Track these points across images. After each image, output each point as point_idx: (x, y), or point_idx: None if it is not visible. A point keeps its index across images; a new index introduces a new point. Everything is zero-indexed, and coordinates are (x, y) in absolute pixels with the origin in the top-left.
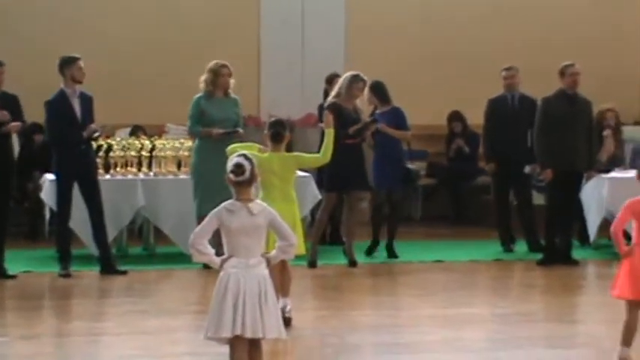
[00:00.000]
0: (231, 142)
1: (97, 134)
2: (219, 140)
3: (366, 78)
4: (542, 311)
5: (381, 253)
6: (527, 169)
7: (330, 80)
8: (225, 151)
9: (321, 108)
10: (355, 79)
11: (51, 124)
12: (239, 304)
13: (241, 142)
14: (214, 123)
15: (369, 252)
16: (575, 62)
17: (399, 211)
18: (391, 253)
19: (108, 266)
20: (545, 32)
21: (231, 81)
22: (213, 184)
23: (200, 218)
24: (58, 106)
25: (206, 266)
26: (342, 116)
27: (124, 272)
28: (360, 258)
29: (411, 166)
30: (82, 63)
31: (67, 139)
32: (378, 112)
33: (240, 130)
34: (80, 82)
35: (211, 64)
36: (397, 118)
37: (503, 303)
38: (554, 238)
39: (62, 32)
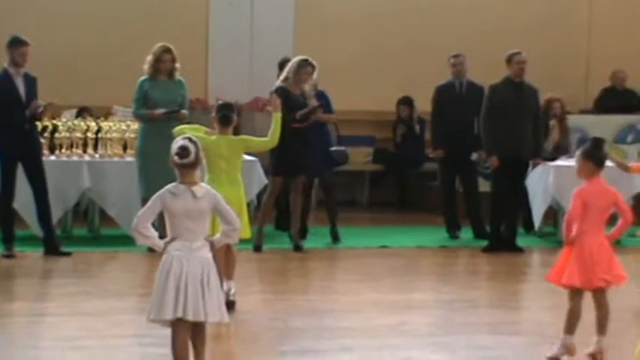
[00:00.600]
0: (176, 124)
1: (40, 109)
2: (164, 123)
3: (314, 62)
4: (487, 298)
5: (325, 238)
6: (474, 155)
7: (282, 65)
8: (171, 133)
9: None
10: (304, 64)
11: None
12: (181, 286)
13: (188, 123)
14: (158, 105)
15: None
16: (521, 50)
17: (334, 194)
18: (335, 237)
19: (52, 247)
20: (492, 20)
21: (176, 65)
22: (158, 166)
23: (144, 201)
24: (1, 85)
25: (150, 249)
26: (290, 101)
27: (68, 254)
28: (308, 243)
29: (338, 148)
30: (26, 49)
31: (10, 119)
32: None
33: (184, 111)
34: (20, 67)
35: (155, 47)
36: (325, 102)
37: (447, 289)
38: (499, 225)
39: (8, 12)
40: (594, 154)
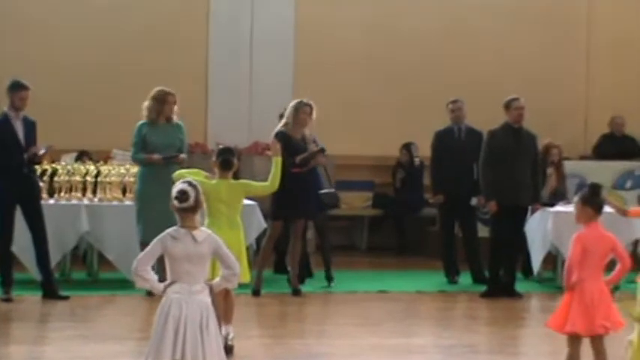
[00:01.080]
0: (175, 169)
1: (41, 152)
2: (162, 167)
3: (312, 103)
4: (486, 343)
5: (323, 282)
6: (473, 201)
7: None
8: (169, 177)
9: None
10: (300, 105)
11: None
12: (180, 330)
13: (188, 168)
14: (158, 149)
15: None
16: (520, 97)
17: (328, 238)
18: (329, 279)
19: (50, 291)
20: (491, 67)
21: (175, 107)
22: (157, 210)
23: (143, 244)
24: (0, 128)
25: (149, 293)
26: (290, 145)
27: (66, 297)
28: (305, 287)
29: (328, 190)
30: (26, 94)
31: (9, 162)
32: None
33: (182, 155)
34: (20, 110)
35: (155, 91)
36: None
37: (446, 334)
38: (498, 270)
39: (9, 56)
40: (592, 200)
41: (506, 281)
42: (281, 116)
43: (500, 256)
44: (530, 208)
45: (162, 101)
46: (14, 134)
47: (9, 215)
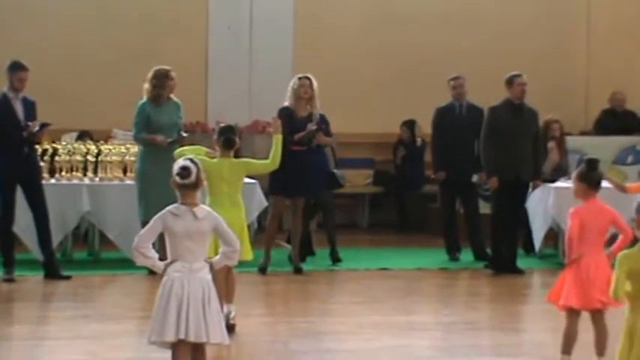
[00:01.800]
0: (176, 146)
1: (36, 128)
2: (164, 146)
3: (309, 75)
4: (487, 320)
5: (325, 260)
6: (474, 177)
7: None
8: (170, 156)
9: None
10: (299, 79)
11: None
12: (182, 308)
13: (191, 144)
14: (162, 129)
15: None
16: (521, 73)
17: (334, 216)
18: (335, 259)
19: (52, 271)
20: (492, 42)
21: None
22: (158, 189)
23: (144, 223)
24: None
25: (151, 272)
26: (292, 122)
27: (68, 277)
28: (307, 265)
29: (336, 171)
30: (25, 74)
31: (9, 142)
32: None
33: (184, 134)
34: (19, 91)
35: (154, 70)
36: (325, 124)
37: (448, 311)
38: (500, 246)
39: (10, 37)
40: (587, 176)
41: (507, 257)
42: None
43: (502, 232)
44: (531, 184)
45: (163, 79)
46: (14, 114)
47: (10, 195)
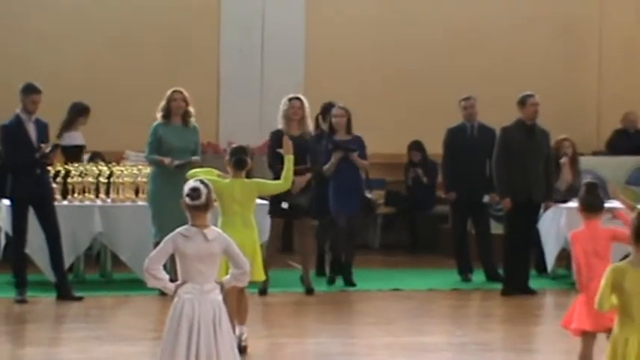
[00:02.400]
0: (188, 169)
1: (48, 149)
2: (171, 168)
3: (300, 96)
4: (500, 341)
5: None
6: (485, 198)
7: (325, 109)
8: (181, 178)
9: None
10: (288, 101)
11: (5, 148)
12: (194, 330)
13: (201, 167)
14: (173, 151)
15: (331, 280)
16: (534, 93)
17: (356, 240)
18: (349, 282)
19: (64, 292)
20: (504, 63)
21: (190, 109)
22: (171, 210)
23: (157, 245)
24: (12, 130)
25: (162, 293)
26: (281, 145)
27: (81, 298)
28: (318, 286)
29: (369, 195)
30: (38, 97)
31: (21, 163)
32: (337, 138)
33: (195, 158)
34: (31, 114)
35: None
36: (361, 147)
37: (460, 332)
38: (514, 267)
39: (22, 57)
40: (585, 200)
41: (520, 278)
42: (322, 109)
43: (516, 253)
44: (542, 205)
45: (168, 99)
46: (27, 136)
47: (22, 216)
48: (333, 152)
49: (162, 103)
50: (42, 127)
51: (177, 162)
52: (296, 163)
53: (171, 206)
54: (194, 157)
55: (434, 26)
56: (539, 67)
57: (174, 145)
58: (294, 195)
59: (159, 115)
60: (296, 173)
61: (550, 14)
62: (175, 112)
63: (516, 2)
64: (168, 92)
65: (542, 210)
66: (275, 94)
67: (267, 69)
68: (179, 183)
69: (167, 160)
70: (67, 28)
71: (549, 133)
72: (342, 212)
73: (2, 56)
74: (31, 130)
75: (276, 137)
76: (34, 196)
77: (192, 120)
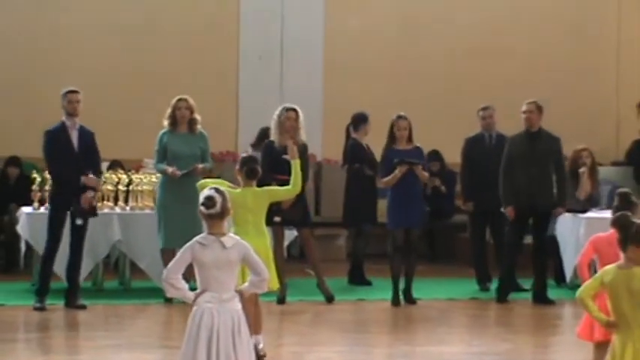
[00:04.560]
0: (195, 178)
1: (91, 194)
2: (183, 175)
3: (295, 107)
4: (518, 350)
5: (354, 289)
6: (503, 207)
7: (355, 119)
8: (189, 186)
9: (345, 149)
10: (283, 111)
11: (47, 154)
12: (213, 339)
13: (213, 177)
14: (178, 158)
15: (395, 301)
16: (530, 101)
17: (417, 255)
18: (409, 298)
19: (72, 300)
20: (522, 72)
21: (195, 116)
22: (177, 218)
23: (164, 252)
24: (55, 136)
25: (167, 300)
26: (271, 156)
27: (84, 307)
28: (338, 295)
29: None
30: (74, 96)
31: (63, 172)
32: (399, 148)
33: (201, 166)
34: (72, 115)
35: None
36: (421, 158)
37: (478, 341)
38: (509, 275)
39: (40, 67)
40: (617, 208)
41: (538, 289)
42: (353, 119)
43: (513, 261)
44: (553, 212)
45: (173, 108)
46: (69, 143)
47: (59, 225)
48: (398, 165)
49: (168, 111)
50: (86, 136)
51: (180, 173)
52: (288, 172)
53: (177, 213)
54: (201, 165)
55: (452, 35)
56: (557, 75)
57: (180, 153)
58: (285, 209)
59: (165, 123)
60: (287, 184)
61: (568, 19)
62: (181, 120)
63: (534, 11)
64: (173, 101)
65: (552, 218)
66: (295, 101)
67: (287, 76)
68: (186, 191)
69: (170, 170)
70: (85, 35)
71: (559, 138)
72: (402, 226)
73: (21, 63)
74: (74, 138)
75: (269, 148)
76: (74, 203)
77: (199, 127)
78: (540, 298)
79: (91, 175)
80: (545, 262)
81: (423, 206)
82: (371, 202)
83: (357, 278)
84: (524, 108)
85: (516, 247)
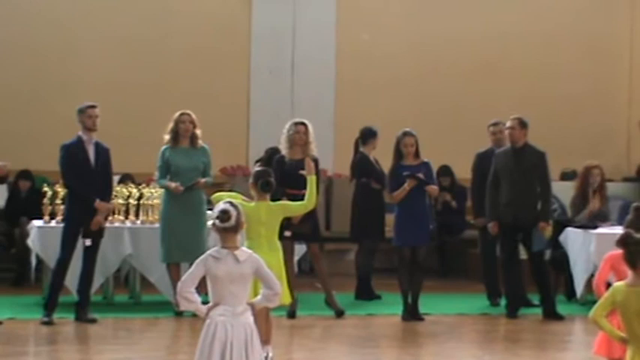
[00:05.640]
0: (198, 192)
1: (101, 218)
2: (185, 191)
3: (305, 121)
4: None
5: (364, 304)
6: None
7: (364, 134)
8: (191, 200)
9: (353, 163)
10: (292, 126)
11: (64, 168)
12: (226, 352)
13: (229, 191)
14: (180, 173)
15: (405, 316)
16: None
17: (424, 269)
18: (416, 315)
19: (82, 314)
20: (533, 88)
21: (198, 131)
22: (179, 232)
23: (169, 266)
24: (72, 150)
25: (179, 313)
26: (284, 169)
27: (95, 320)
28: (349, 310)
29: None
30: (93, 111)
31: (78, 186)
32: (406, 164)
33: (204, 180)
34: (91, 130)
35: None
36: (430, 172)
37: (488, 357)
38: (512, 289)
39: (51, 81)
40: (632, 223)
41: (546, 304)
42: (361, 134)
43: (511, 276)
44: (539, 226)
45: (176, 122)
46: (86, 157)
47: (73, 239)
48: (408, 179)
49: (170, 125)
50: (102, 152)
51: (182, 188)
52: (299, 187)
53: (179, 227)
54: (203, 179)
55: (463, 52)
56: (568, 91)
57: (182, 167)
58: (295, 223)
59: (166, 137)
60: (300, 199)
61: (579, 36)
62: (183, 134)
63: (545, 28)
64: (176, 115)
65: (536, 232)
66: (305, 116)
67: (298, 91)
68: (188, 205)
69: (173, 185)
70: (97, 51)
71: (544, 154)
72: (409, 244)
73: (31, 75)
74: (91, 152)
75: (279, 163)
76: (87, 220)
77: (200, 141)
78: (549, 313)
79: (102, 203)
80: (546, 277)
81: (429, 223)
82: (378, 216)
83: (365, 294)
84: (507, 124)
85: (510, 262)
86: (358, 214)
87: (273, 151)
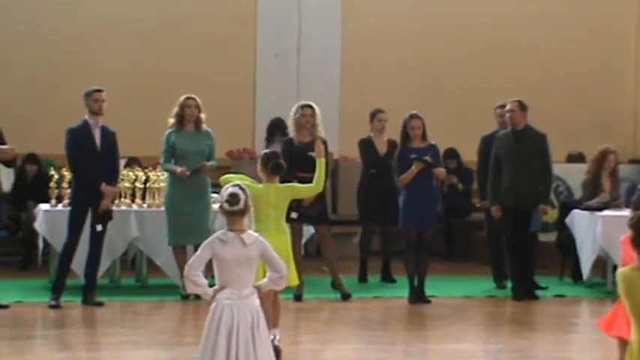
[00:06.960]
0: (202, 176)
1: (109, 201)
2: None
3: (312, 103)
4: (534, 348)
5: (372, 287)
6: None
7: (373, 116)
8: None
9: (361, 143)
10: (299, 108)
11: (70, 152)
12: (232, 336)
13: (236, 173)
14: (186, 156)
15: (412, 298)
16: (506, 101)
17: (430, 252)
18: (422, 297)
19: (89, 297)
20: (540, 71)
21: (202, 115)
22: (185, 215)
23: (175, 249)
24: (78, 134)
25: (186, 297)
26: (292, 152)
27: (101, 304)
28: (356, 292)
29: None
30: (99, 95)
31: (85, 170)
32: (414, 146)
33: (209, 164)
34: (97, 114)
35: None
36: (437, 155)
37: (494, 339)
38: (517, 272)
39: (58, 65)
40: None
41: (528, 285)
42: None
43: (516, 258)
44: (539, 208)
45: (181, 106)
46: (92, 141)
47: (80, 222)
48: (415, 161)
49: (175, 109)
50: (108, 136)
51: (188, 172)
52: (309, 169)
53: (185, 211)
54: (209, 163)
55: (470, 35)
56: (575, 74)
57: (187, 151)
58: (304, 205)
59: (171, 121)
60: (309, 181)
61: (586, 19)
62: (188, 119)
63: (553, 11)
64: (181, 99)
65: (536, 215)
66: (312, 100)
67: (304, 74)
68: (193, 188)
69: (179, 170)
70: (103, 35)
71: (545, 136)
72: (415, 227)
73: (39, 64)
74: (97, 136)
75: (287, 146)
76: (94, 203)
77: (204, 126)
78: (520, 292)
79: (108, 186)
80: (532, 257)
81: (436, 206)
82: (383, 200)
83: (365, 276)
84: (507, 107)
85: (514, 244)
86: (362, 198)
87: (273, 123)
